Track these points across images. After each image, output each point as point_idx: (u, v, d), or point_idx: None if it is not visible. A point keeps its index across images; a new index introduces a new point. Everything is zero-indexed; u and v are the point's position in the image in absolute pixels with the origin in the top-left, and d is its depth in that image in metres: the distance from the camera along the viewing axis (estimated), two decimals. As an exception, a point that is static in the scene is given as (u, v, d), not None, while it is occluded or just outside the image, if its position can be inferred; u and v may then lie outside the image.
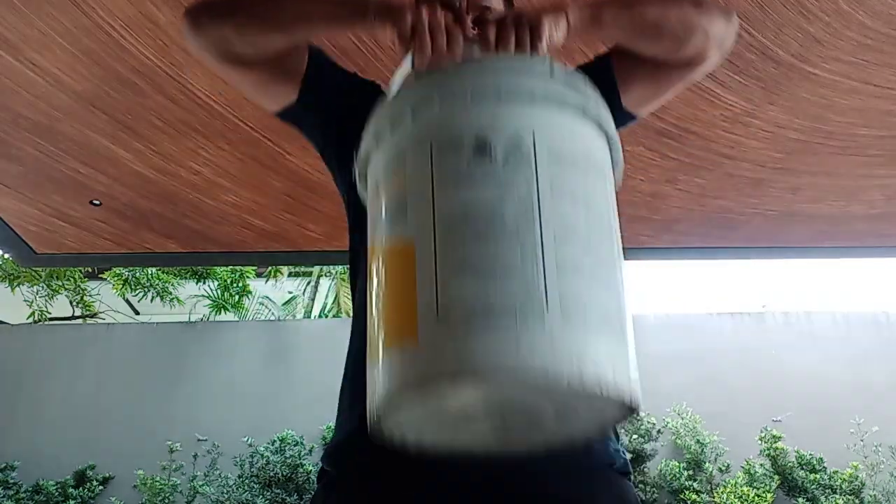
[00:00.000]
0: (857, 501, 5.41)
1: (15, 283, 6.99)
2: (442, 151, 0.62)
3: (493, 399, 0.59)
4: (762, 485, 5.45)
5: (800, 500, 5.49)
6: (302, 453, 5.69)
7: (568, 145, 0.64)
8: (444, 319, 0.54)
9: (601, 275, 0.59)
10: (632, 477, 0.88)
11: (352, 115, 1.00)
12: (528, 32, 0.77)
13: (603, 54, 0.99)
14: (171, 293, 7.40)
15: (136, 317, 8.98)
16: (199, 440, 5.85)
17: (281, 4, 0.87)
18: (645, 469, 5.72)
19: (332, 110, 1.02)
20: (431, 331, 0.55)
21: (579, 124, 0.67)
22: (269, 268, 8.94)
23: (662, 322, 6.81)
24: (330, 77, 1.02)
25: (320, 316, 9.22)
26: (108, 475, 5.77)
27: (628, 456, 0.93)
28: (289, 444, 5.75)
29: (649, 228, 2.74)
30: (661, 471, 5.69)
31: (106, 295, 7.65)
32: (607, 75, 0.96)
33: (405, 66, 0.81)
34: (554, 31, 0.80)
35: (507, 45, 0.76)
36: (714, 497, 5.42)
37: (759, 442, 5.87)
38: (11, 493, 5.46)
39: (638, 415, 0.59)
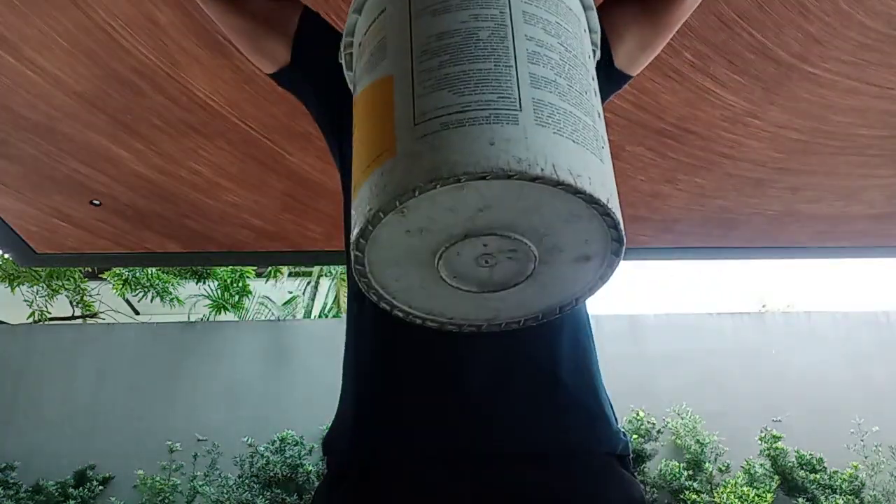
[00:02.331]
0: (857, 501, 5.41)
1: (15, 283, 6.99)
2: None
3: (471, 218, 0.57)
4: (762, 485, 5.45)
5: (800, 500, 5.49)
6: (302, 453, 5.69)
7: None
8: (421, 123, 0.55)
9: (576, 97, 0.59)
10: (630, 460, 0.86)
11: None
12: None
13: None
14: (171, 293, 7.40)
15: (136, 317, 8.98)
16: (199, 440, 5.85)
17: None
18: (645, 469, 5.72)
19: (328, 75, 0.95)
20: (407, 138, 0.56)
21: None
22: (269, 268, 8.94)
23: (662, 322, 6.81)
24: (324, 39, 0.98)
25: (320, 316, 9.22)
26: (108, 475, 5.77)
27: (629, 438, 0.89)
28: (289, 444, 5.75)
29: (649, 228, 2.74)
30: (661, 471, 5.69)
31: (106, 295, 7.66)
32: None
33: None
34: None
35: None
36: (714, 497, 5.42)
37: (759, 442, 5.87)
38: (11, 493, 5.46)
39: (622, 238, 0.58)
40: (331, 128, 1.03)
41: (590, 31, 0.73)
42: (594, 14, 0.74)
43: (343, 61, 0.78)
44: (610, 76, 0.97)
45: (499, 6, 0.62)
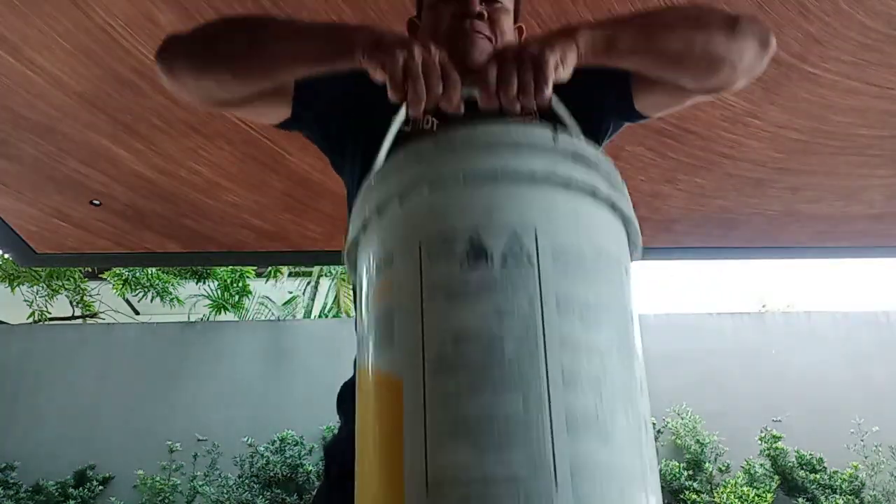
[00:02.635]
0: (857, 501, 5.41)
1: (15, 283, 7.00)
2: (431, 257, 0.54)
3: None
4: (762, 485, 5.45)
5: (800, 500, 5.49)
6: (302, 453, 5.69)
7: (575, 240, 0.55)
8: (434, 495, 0.46)
9: (621, 425, 0.50)
10: None
11: (351, 111, 1.00)
12: (532, 72, 0.69)
13: None
14: (171, 293, 7.41)
15: (136, 317, 8.98)
16: (199, 440, 5.85)
17: (260, 50, 0.81)
18: (645, 469, 5.72)
19: (329, 116, 1.01)
20: None
21: (588, 207, 0.58)
22: (269, 268, 8.94)
23: (662, 322, 6.81)
24: (322, 84, 0.97)
25: (320, 316, 9.22)
26: (108, 475, 5.77)
27: None
28: (289, 444, 5.75)
29: (649, 228, 2.74)
30: (661, 471, 5.69)
31: (106, 295, 7.66)
32: (623, 79, 0.92)
33: (400, 117, 0.73)
34: (561, 68, 0.72)
35: (509, 89, 0.69)
36: (714, 497, 5.42)
37: (759, 442, 5.87)
38: (11, 493, 5.46)
39: None
40: (340, 159, 1.06)
41: (630, 244, 0.62)
42: (635, 227, 0.62)
43: (347, 264, 0.69)
44: (628, 113, 0.98)
45: (527, 292, 0.51)
